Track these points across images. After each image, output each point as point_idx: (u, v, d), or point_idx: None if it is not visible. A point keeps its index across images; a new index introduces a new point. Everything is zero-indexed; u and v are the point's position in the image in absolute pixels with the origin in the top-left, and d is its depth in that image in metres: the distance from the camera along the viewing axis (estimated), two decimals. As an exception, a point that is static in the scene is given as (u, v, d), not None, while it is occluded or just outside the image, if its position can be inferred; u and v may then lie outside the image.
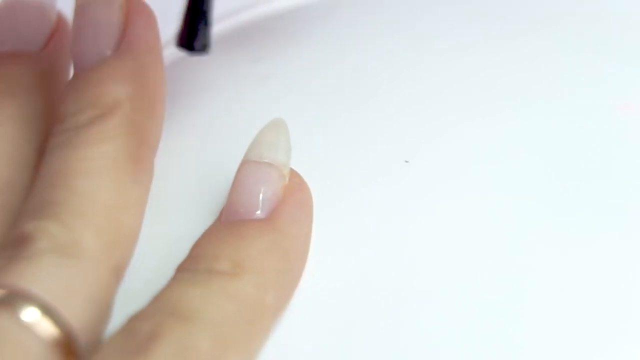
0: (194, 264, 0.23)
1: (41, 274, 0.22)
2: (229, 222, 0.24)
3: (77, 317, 0.22)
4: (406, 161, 0.28)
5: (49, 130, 0.26)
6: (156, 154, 0.26)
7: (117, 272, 0.23)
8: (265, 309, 0.22)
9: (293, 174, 0.25)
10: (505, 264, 0.25)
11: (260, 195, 0.24)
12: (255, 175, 0.25)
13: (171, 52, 0.29)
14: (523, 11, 0.32)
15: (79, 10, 0.26)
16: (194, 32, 0.25)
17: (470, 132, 0.28)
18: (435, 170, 0.27)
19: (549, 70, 0.30)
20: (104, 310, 0.23)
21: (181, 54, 0.26)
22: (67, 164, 0.24)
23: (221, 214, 0.25)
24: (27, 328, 0.21)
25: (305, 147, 0.27)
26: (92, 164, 0.24)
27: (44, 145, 0.26)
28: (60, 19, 0.28)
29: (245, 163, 0.25)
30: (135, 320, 0.21)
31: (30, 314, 0.21)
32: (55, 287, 0.22)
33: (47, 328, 0.21)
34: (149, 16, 0.27)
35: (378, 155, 0.28)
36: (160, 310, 0.22)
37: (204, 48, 0.25)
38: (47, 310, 0.21)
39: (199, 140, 0.29)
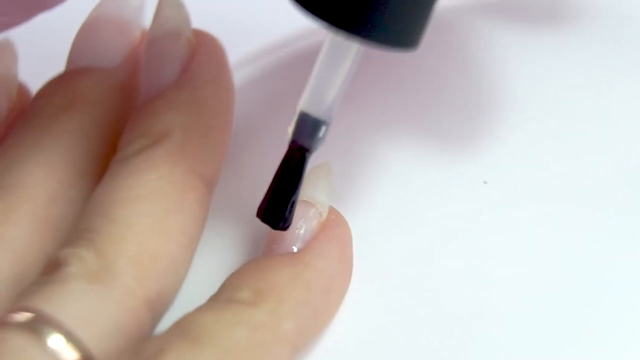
0: (218, 295, 0.23)
1: (68, 299, 0.22)
2: (259, 257, 0.24)
3: (100, 345, 0.22)
4: (485, 182, 0.27)
5: (116, 145, 0.26)
6: (215, 185, 0.26)
7: (152, 303, 0.23)
8: (280, 337, 0.22)
9: (331, 211, 0.25)
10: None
11: (296, 233, 0.24)
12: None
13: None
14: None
15: (149, 42, 0.27)
16: (281, 211, 0.24)
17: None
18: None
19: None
20: (131, 340, 0.22)
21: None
22: (111, 193, 0.24)
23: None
24: (51, 354, 0.21)
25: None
26: (134, 192, 0.24)
27: (110, 158, 0.26)
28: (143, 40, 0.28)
29: None
30: (145, 341, 0.21)
31: (55, 341, 0.21)
32: (81, 314, 0.22)
33: (69, 355, 0.21)
34: (215, 49, 0.27)
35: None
36: (169, 333, 0.21)
37: (285, 226, 0.24)
38: (71, 338, 0.21)
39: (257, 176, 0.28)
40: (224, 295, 0.23)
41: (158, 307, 0.24)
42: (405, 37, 0.22)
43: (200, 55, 0.27)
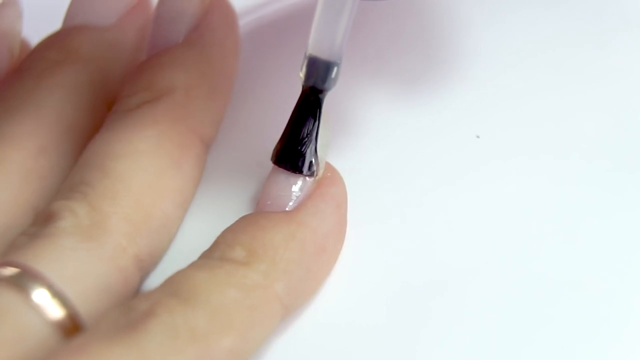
0: (211, 252, 0.23)
1: (57, 255, 0.22)
2: (254, 214, 0.24)
3: (87, 303, 0.22)
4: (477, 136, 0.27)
5: (108, 102, 0.26)
6: (210, 146, 0.26)
7: (141, 262, 0.23)
8: (272, 298, 0.22)
9: (328, 168, 0.25)
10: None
11: (290, 190, 0.24)
12: (288, 170, 0.24)
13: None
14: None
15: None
16: (298, 152, 0.24)
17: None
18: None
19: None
20: (119, 298, 0.22)
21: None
22: (108, 145, 0.24)
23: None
24: (34, 309, 0.21)
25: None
26: (132, 147, 0.24)
27: (101, 114, 0.26)
28: (143, 1, 0.28)
29: None
30: (136, 298, 0.21)
31: (39, 296, 0.21)
32: (69, 271, 0.22)
33: (54, 311, 0.21)
34: (227, 12, 0.27)
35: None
36: (161, 291, 0.21)
37: (305, 170, 0.24)
38: (57, 294, 0.21)
39: (258, 131, 0.28)
40: (217, 253, 0.23)
41: (147, 266, 0.24)
42: None
43: (212, 15, 0.27)
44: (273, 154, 0.24)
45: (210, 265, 0.22)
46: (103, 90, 0.26)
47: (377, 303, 0.24)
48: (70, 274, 0.22)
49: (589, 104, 0.28)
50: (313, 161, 0.24)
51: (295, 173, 0.24)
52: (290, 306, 0.23)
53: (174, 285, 0.21)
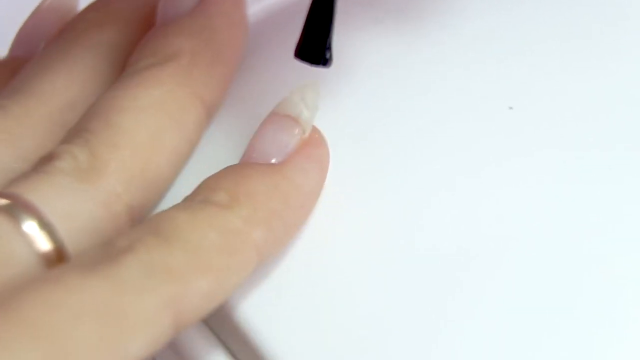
0: (194, 195, 0.23)
1: (52, 191, 0.22)
2: (239, 164, 0.25)
3: (75, 240, 0.22)
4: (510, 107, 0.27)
5: None
6: (214, 113, 0.27)
7: (132, 212, 0.24)
8: (249, 244, 0.22)
9: (314, 130, 0.26)
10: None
11: (276, 144, 0.25)
12: (275, 126, 0.25)
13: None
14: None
15: None
16: (320, 46, 0.24)
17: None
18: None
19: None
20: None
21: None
22: (114, 99, 0.25)
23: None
24: (23, 238, 0.21)
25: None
26: (136, 103, 0.24)
27: None
28: None
29: (270, 114, 0.26)
30: (117, 235, 0.22)
31: (30, 227, 0.22)
32: (62, 207, 0.22)
33: (42, 243, 0.22)
34: None
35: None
36: (142, 230, 0.22)
37: (326, 63, 0.25)
38: (47, 227, 0.22)
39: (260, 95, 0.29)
40: (200, 196, 0.23)
41: (137, 216, 0.24)
42: None
43: None
44: (295, 51, 0.25)
45: (192, 207, 0.22)
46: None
47: (347, 261, 0.24)
48: (63, 210, 0.22)
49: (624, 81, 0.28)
50: (329, 56, 0.24)
51: (316, 65, 0.24)
52: (264, 256, 0.23)
53: (155, 224, 0.22)
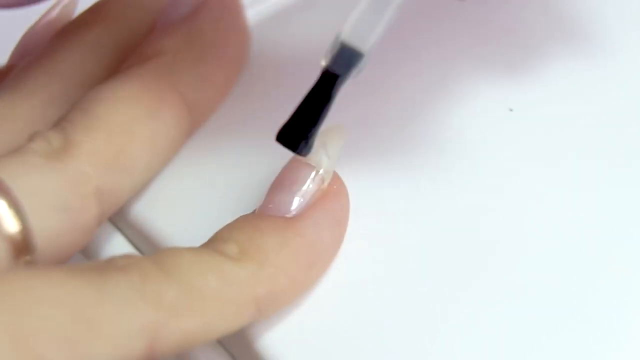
0: (207, 243, 0.23)
1: (21, 168, 0.22)
2: (253, 214, 0.24)
3: (41, 219, 0.22)
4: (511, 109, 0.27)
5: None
6: (202, 115, 0.27)
7: (101, 196, 0.24)
8: (249, 299, 0.22)
9: (335, 179, 0.24)
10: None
11: (294, 196, 0.24)
12: (293, 175, 0.24)
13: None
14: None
15: None
16: (302, 133, 0.23)
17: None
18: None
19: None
20: (74, 225, 0.23)
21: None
22: (95, 93, 0.25)
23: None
24: None
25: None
26: (114, 95, 0.25)
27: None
28: None
29: (290, 160, 0.24)
30: (121, 256, 0.22)
31: None
32: (29, 184, 0.22)
33: (9, 222, 0.21)
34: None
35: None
36: (146, 258, 0.22)
37: (304, 152, 0.23)
38: (13, 205, 0.22)
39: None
40: (211, 245, 0.23)
41: (106, 202, 0.24)
42: None
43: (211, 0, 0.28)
44: (277, 134, 0.23)
45: (201, 251, 0.22)
46: (127, 49, 0.27)
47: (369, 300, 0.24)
48: (30, 187, 0.22)
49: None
50: (309, 144, 0.23)
51: (294, 152, 0.23)
52: (265, 311, 0.22)
53: (159, 256, 0.22)
